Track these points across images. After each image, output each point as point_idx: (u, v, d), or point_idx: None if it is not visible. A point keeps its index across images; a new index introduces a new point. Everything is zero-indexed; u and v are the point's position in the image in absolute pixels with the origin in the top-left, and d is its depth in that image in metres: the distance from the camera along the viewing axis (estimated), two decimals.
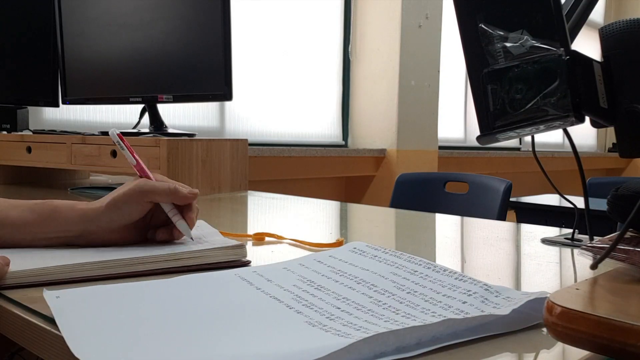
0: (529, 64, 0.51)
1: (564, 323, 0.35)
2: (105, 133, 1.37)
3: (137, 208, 0.63)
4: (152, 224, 0.67)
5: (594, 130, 5.96)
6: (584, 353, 0.37)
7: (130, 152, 0.68)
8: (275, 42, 2.95)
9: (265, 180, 2.62)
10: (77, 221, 0.62)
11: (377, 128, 3.26)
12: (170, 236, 0.66)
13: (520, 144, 4.94)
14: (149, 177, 0.67)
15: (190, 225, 0.66)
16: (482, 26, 0.54)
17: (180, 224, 0.65)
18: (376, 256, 0.57)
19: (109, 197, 0.63)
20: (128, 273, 0.58)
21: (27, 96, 1.61)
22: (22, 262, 0.56)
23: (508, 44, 0.53)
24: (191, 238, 0.65)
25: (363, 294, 0.49)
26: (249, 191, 1.39)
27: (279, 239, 0.78)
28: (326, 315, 0.44)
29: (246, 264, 0.63)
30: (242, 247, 0.64)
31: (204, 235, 0.70)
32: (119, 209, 0.62)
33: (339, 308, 0.46)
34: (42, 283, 0.53)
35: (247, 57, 2.80)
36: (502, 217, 1.61)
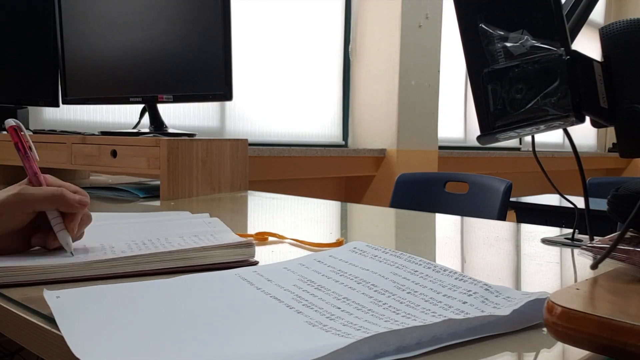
0: (529, 64, 0.51)
1: (564, 323, 0.35)
2: (106, 133, 1.37)
3: (15, 218, 0.57)
4: (40, 229, 0.60)
5: (594, 130, 5.96)
6: (584, 353, 0.37)
7: (25, 147, 0.63)
8: (275, 42, 2.95)
9: (265, 180, 2.62)
10: None
11: (377, 128, 3.25)
12: (44, 242, 0.59)
13: (520, 144, 4.94)
14: (38, 179, 0.61)
15: (72, 235, 0.59)
16: (482, 26, 0.54)
17: (61, 235, 0.58)
18: (376, 256, 0.57)
19: None
20: (135, 272, 0.57)
21: (27, 96, 1.61)
22: (26, 259, 0.56)
23: (508, 44, 0.53)
24: (71, 253, 0.58)
25: (363, 294, 0.49)
26: (249, 191, 1.39)
27: (280, 238, 0.78)
28: (326, 315, 0.44)
29: (254, 264, 0.62)
30: (250, 245, 0.63)
31: (214, 232, 0.70)
32: None
33: (339, 308, 0.46)
34: (46, 281, 0.54)
35: (247, 57, 2.80)
36: (502, 217, 1.61)
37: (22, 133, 0.63)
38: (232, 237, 0.67)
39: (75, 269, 0.55)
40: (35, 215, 0.59)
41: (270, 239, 0.78)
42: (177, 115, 2.52)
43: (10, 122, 0.63)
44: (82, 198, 0.59)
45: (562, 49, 0.50)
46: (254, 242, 0.64)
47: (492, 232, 0.96)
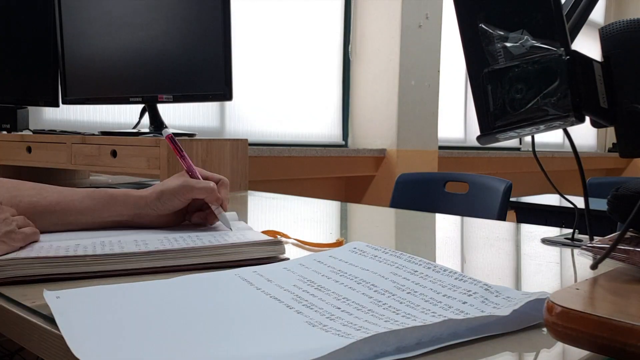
0: (529, 64, 0.51)
1: (564, 323, 0.35)
2: (106, 133, 1.37)
3: (179, 202, 0.73)
4: (189, 209, 0.77)
5: (594, 130, 5.95)
6: (584, 353, 0.37)
7: (182, 155, 0.77)
8: (275, 42, 2.95)
9: (265, 180, 2.62)
10: (130, 207, 0.72)
11: (377, 128, 3.25)
12: (204, 220, 0.76)
13: (520, 144, 4.94)
14: (194, 174, 0.75)
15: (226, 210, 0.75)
16: (482, 26, 0.54)
17: (223, 216, 0.74)
18: (376, 256, 0.57)
19: (159, 188, 0.73)
20: (169, 267, 0.59)
21: (27, 96, 1.61)
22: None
23: (508, 44, 0.53)
24: (230, 228, 0.72)
25: (363, 294, 0.49)
26: (249, 191, 1.39)
27: (286, 237, 0.78)
28: (326, 315, 0.44)
29: (284, 260, 0.63)
30: (279, 243, 0.64)
31: (240, 229, 0.72)
32: (166, 202, 0.72)
33: (339, 308, 0.46)
34: (72, 275, 0.55)
35: (247, 57, 2.80)
36: (502, 217, 1.61)
37: (177, 140, 0.79)
38: (259, 235, 0.68)
39: (113, 262, 0.57)
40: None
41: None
42: (177, 115, 2.52)
43: (168, 131, 0.80)
44: (223, 197, 0.75)
45: (562, 49, 0.50)
46: (282, 239, 0.66)
47: (492, 232, 0.96)
